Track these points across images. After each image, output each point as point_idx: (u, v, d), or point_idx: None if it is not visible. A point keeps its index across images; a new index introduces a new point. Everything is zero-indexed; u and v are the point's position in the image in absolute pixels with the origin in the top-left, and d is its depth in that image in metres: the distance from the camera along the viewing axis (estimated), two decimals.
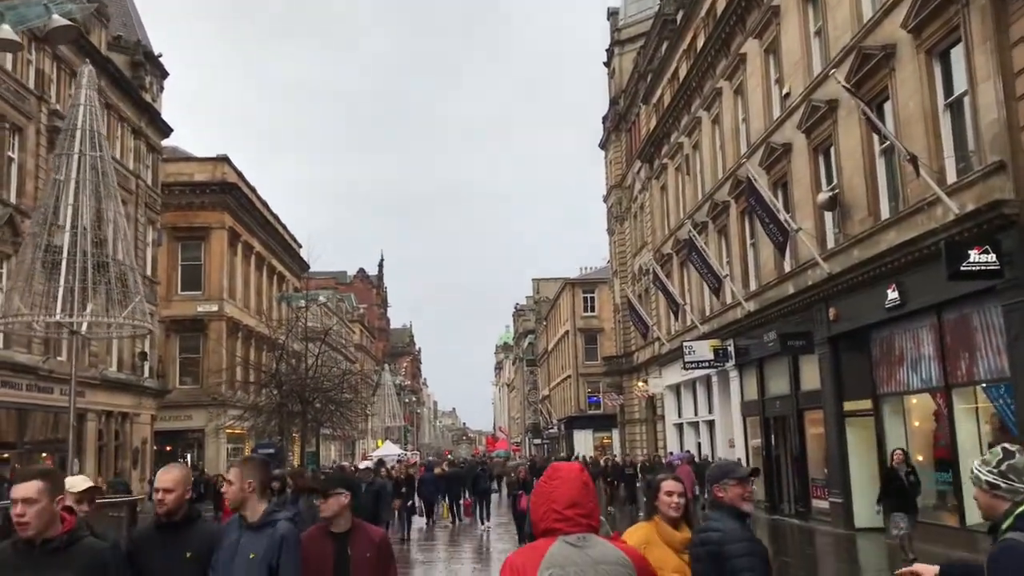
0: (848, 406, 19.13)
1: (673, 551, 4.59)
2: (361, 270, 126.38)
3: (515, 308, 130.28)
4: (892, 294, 16.21)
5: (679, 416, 34.68)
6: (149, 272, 37.34)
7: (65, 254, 14.11)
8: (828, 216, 19.82)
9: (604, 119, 54.55)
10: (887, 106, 16.42)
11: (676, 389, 34.71)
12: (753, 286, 25.02)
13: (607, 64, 54.36)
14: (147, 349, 36.12)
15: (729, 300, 26.97)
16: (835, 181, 19.06)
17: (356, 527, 4.84)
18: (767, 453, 24.26)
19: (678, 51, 33.00)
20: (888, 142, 16.98)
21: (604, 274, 64.18)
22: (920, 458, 16.75)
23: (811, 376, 21.01)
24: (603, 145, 54.76)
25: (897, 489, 13.82)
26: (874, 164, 17.42)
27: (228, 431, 40.94)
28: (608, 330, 61.63)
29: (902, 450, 14.52)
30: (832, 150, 19.31)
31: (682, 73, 31.73)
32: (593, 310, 67.04)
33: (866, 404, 18.70)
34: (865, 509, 18.63)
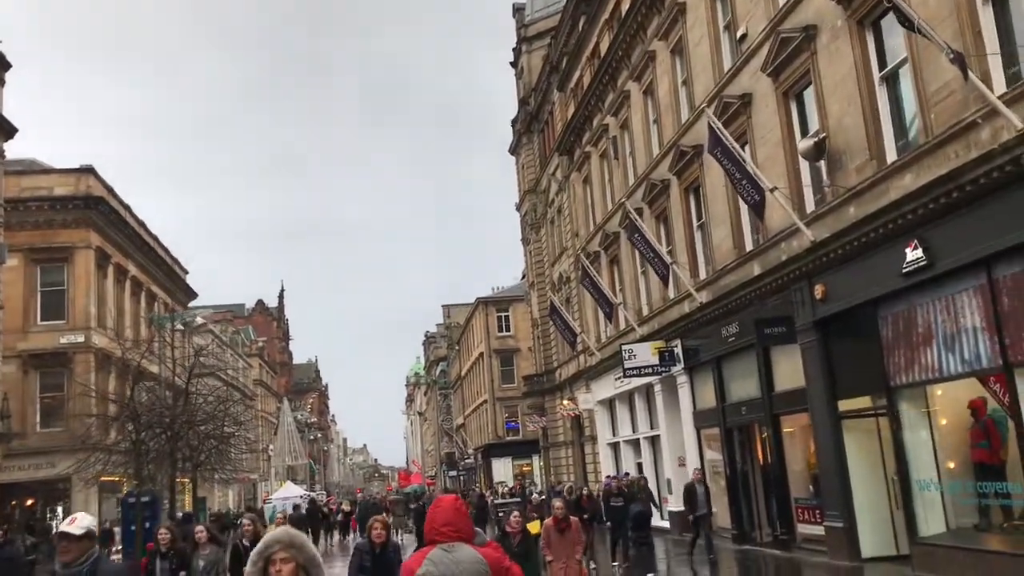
0: (844, 405, 15.37)
1: None
2: (260, 302, 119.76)
3: (425, 336, 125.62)
4: (913, 253, 12.53)
5: (614, 434, 30.73)
6: None
7: None
8: (805, 173, 16.20)
9: (513, 122, 50.90)
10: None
11: (609, 404, 30.78)
12: (704, 275, 21.31)
13: (514, 64, 50.91)
14: None
15: (673, 295, 23.24)
16: (818, 126, 15.41)
17: None
18: (730, 470, 20.41)
19: (599, 23, 29.42)
20: (891, 66, 13.49)
21: (519, 291, 60.41)
22: (951, 464, 13.08)
23: (789, 373, 17.26)
24: (513, 150, 51.05)
25: None
26: (874, 95, 13.81)
27: (102, 479, 35.27)
28: (525, 350, 57.72)
29: None
30: (811, 90, 15.69)
31: (604, 47, 28.13)
32: (508, 329, 62.91)
33: (868, 402, 15.03)
34: (874, 534, 14.91)
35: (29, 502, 37.54)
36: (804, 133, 16.08)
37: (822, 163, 15.31)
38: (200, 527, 9.48)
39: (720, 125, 16.50)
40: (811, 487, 17.18)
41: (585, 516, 18.86)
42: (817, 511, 16.47)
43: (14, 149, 35.54)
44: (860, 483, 15.07)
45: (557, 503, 11.30)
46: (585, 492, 22.96)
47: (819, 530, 16.28)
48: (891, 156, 13.47)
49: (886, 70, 13.63)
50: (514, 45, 50.34)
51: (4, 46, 33.46)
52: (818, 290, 15.41)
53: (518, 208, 50.13)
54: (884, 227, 13.21)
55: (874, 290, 13.80)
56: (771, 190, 15.60)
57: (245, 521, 11.56)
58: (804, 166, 16.17)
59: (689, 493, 18.56)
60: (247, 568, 3.87)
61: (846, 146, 14.46)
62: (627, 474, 26.24)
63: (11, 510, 36.32)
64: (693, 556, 18.08)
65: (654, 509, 23.62)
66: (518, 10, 49.89)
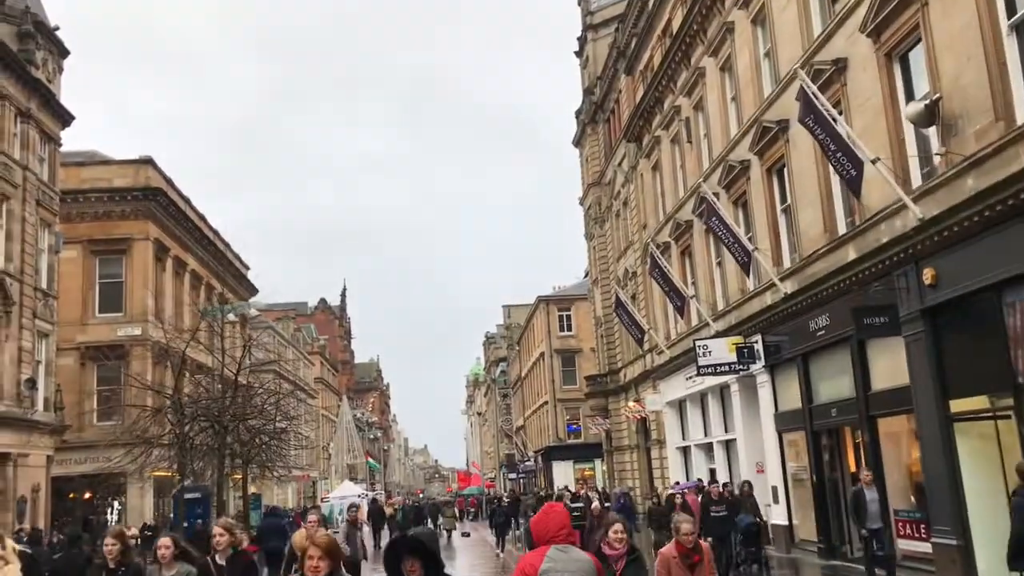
0: (957, 406, 13.49)
1: None
2: (322, 300, 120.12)
3: (485, 337, 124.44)
4: None
5: (684, 438, 28.95)
6: (44, 284, 31.21)
7: None
8: (911, 143, 14.35)
9: (577, 113, 49.32)
10: None
11: (679, 405, 29.00)
12: (788, 263, 19.49)
13: (579, 53, 49.34)
14: (38, 376, 29.81)
15: (753, 286, 21.45)
16: (928, 88, 13.57)
17: None
18: (818, 478, 18.55)
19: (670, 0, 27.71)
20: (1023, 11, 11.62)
21: (581, 290, 58.73)
22: None
23: (889, 369, 15.41)
24: (577, 142, 49.47)
25: None
26: (1000, 47, 11.94)
27: (158, 474, 34.61)
28: (588, 351, 55.99)
29: None
30: (920, 48, 13.85)
31: (676, 23, 26.41)
32: (570, 329, 61.24)
33: (985, 402, 13.14)
34: (994, 554, 12.96)
35: (87, 495, 37.14)
36: (909, 98, 14.26)
37: (932, 130, 13.47)
38: (166, 539, 7.47)
39: (815, 88, 14.73)
40: (913, 498, 15.31)
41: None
42: (922, 525, 14.59)
43: (75, 142, 35.17)
44: (975, 495, 13.17)
45: (684, 523, 7.06)
46: (679, 500, 18.74)
47: (924, 547, 14.40)
48: (1022, 116, 11.60)
49: (1016, 17, 11.76)
50: (579, 34, 48.81)
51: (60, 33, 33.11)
52: (927, 274, 13.53)
53: (581, 202, 48.53)
54: (1014, 198, 11.36)
55: (999, 272, 11.92)
56: (873, 161, 13.79)
57: (217, 530, 8.19)
58: (909, 135, 14.34)
59: (857, 500, 14.52)
60: None
61: (964, 108, 12.60)
62: (701, 480, 24.38)
63: (70, 503, 35.94)
64: None
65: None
66: None
